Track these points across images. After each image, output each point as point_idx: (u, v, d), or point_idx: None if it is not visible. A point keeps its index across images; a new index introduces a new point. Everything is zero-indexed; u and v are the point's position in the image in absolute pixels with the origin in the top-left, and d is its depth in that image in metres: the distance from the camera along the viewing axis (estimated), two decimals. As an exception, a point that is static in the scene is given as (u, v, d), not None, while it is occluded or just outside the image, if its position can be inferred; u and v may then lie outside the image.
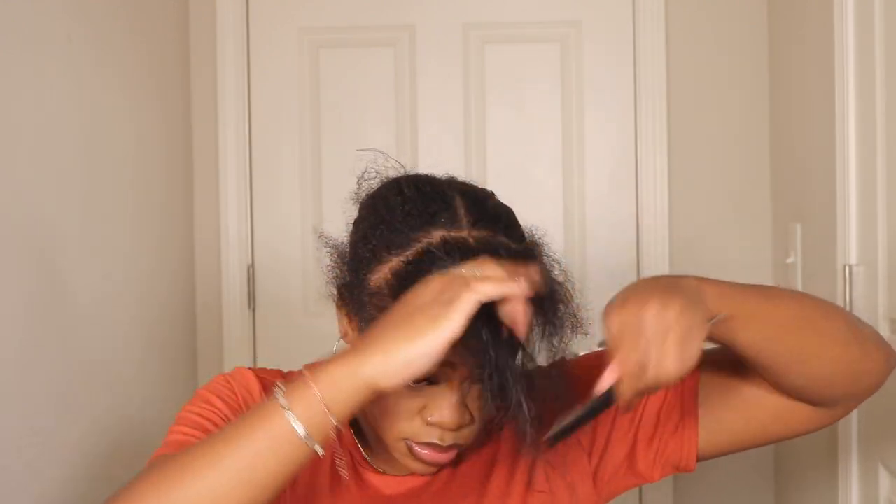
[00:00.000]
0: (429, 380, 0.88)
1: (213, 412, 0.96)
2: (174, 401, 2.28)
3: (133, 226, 2.07)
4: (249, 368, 1.03)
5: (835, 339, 0.91)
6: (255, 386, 1.00)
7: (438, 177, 0.95)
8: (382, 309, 0.86)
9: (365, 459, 1.00)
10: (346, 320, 0.96)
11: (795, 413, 0.97)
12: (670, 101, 2.41)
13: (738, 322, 0.85)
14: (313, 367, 0.80)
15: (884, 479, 1.62)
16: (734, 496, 2.46)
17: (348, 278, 0.93)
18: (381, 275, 0.88)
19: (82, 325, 1.80)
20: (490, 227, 0.88)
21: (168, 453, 0.91)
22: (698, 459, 1.02)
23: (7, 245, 1.53)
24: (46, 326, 1.66)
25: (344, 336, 0.97)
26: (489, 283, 0.77)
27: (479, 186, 0.96)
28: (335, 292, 0.97)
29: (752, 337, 0.87)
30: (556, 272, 0.90)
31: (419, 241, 0.86)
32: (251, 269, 2.49)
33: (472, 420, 0.92)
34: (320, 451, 0.78)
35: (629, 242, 2.43)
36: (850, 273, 1.71)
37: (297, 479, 0.99)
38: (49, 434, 1.66)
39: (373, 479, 1.00)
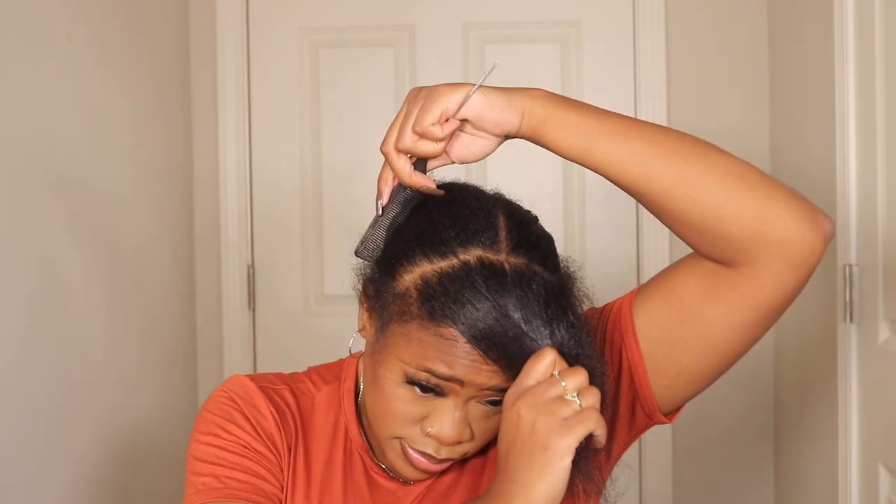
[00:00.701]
0: (436, 391, 0.88)
1: (235, 442, 0.95)
2: (175, 400, 2.28)
3: (133, 226, 2.07)
4: (246, 376, 1.02)
5: (722, 166, 0.86)
6: (258, 397, 0.99)
7: (485, 191, 0.95)
8: (405, 313, 0.87)
9: (375, 463, 1.00)
10: (366, 315, 0.96)
11: (720, 280, 0.90)
12: (670, 101, 2.41)
13: (601, 135, 0.86)
14: None
15: (884, 479, 1.62)
16: (734, 497, 2.46)
17: (377, 274, 0.93)
18: (411, 277, 0.88)
19: (82, 326, 1.80)
20: (527, 255, 0.88)
21: (213, 502, 0.92)
22: (661, 403, 0.97)
23: (8, 249, 1.53)
24: (47, 328, 1.66)
25: (361, 330, 0.97)
26: (599, 418, 0.82)
27: (524, 208, 0.95)
28: (360, 286, 0.97)
29: (620, 151, 0.86)
30: (584, 306, 0.90)
31: (457, 257, 0.86)
32: (251, 269, 2.49)
33: (472, 437, 0.91)
34: None
35: (629, 242, 2.43)
36: (850, 273, 1.71)
37: (311, 481, 0.99)
38: (50, 435, 1.66)
39: (383, 482, 1.00)
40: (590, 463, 0.85)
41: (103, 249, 1.90)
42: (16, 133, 1.57)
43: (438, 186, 0.94)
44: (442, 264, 0.86)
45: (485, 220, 0.89)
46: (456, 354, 0.85)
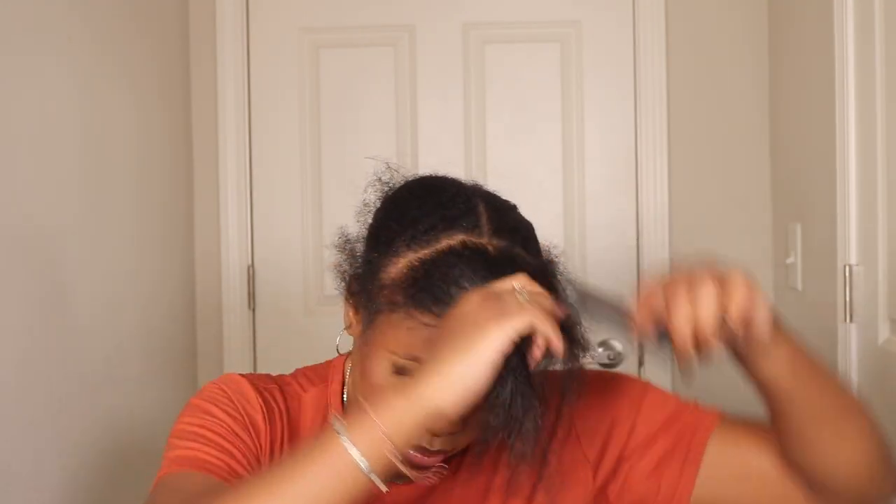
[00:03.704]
0: None
1: (217, 423, 0.94)
2: (174, 401, 2.28)
3: (134, 226, 2.07)
4: (240, 374, 1.01)
5: (865, 428, 0.93)
6: (249, 391, 0.98)
7: (464, 181, 0.96)
8: (392, 303, 0.87)
9: None
10: (352, 311, 0.96)
11: (791, 499, 0.96)
12: (670, 101, 2.41)
13: (787, 356, 0.89)
14: (372, 400, 0.80)
15: (884, 478, 1.62)
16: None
17: (361, 269, 0.93)
18: (395, 268, 0.88)
19: (84, 326, 1.80)
20: (509, 238, 0.88)
21: (178, 472, 0.89)
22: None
23: (8, 248, 1.53)
24: (48, 328, 1.66)
25: (348, 327, 0.97)
26: (545, 317, 0.78)
27: (503, 198, 0.96)
28: (344, 284, 0.97)
29: (792, 375, 0.89)
30: (569, 291, 0.90)
31: (439, 242, 0.87)
32: (251, 269, 2.49)
33: (463, 427, 0.90)
34: (383, 487, 0.78)
35: (629, 242, 2.43)
36: (850, 273, 1.71)
37: None
38: (50, 433, 1.66)
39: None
40: (527, 384, 0.81)
41: (103, 250, 1.90)
42: (16, 136, 1.57)
43: (416, 178, 0.95)
44: (426, 251, 0.87)
45: (465, 206, 0.89)
46: None
